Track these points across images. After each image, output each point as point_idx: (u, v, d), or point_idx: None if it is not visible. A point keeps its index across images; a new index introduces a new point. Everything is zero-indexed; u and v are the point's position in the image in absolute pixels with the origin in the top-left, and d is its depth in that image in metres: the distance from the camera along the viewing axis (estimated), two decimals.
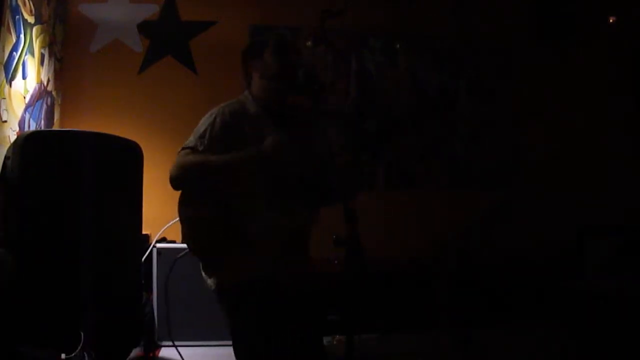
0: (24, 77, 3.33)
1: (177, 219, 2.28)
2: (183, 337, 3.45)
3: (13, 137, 3.08)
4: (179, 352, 3.28)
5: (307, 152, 2.29)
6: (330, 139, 2.36)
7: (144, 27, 4.31)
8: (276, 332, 2.16)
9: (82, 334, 2.56)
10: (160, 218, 3.63)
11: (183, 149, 2.22)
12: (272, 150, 2.13)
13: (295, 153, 2.21)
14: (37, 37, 3.52)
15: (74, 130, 3.09)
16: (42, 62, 3.66)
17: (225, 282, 2.21)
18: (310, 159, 2.27)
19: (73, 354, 2.54)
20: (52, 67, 3.88)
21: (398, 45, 4.59)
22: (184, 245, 3.76)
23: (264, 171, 2.17)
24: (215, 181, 2.18)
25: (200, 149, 2.17)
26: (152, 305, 3.63)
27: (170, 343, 3.57)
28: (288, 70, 2.24)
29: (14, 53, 3.15)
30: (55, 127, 3.94)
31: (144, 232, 3.24)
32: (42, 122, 3.68)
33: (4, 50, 2.99)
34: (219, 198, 2.18)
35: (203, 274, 2.27)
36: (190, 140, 2.22)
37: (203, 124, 2.24)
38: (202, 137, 2.19)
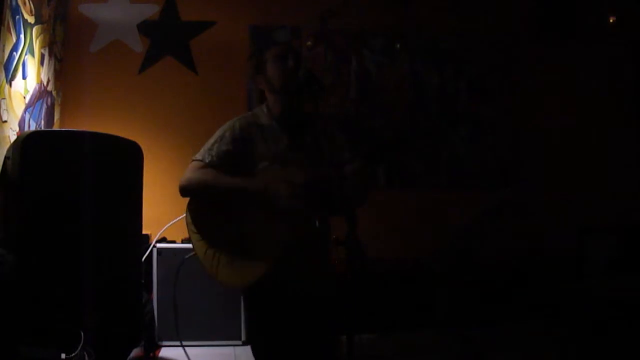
0: (24, 77, 3.33)
1: (177, 219, 2.30)
2: (186, 337, 3.45)
3: (13, 137, 3.08)
4: (185, 351, 3.28)
5: (318, 161, 2.29)
6: (337, 145, 2.36)
7: (144, 27, 4.31)
8: (294, 334, 2.18)
9: (82, 333, 2.56)
10: (160, 218, 3.63)
11: (194, 160, 2.29)
12: (279, 196, 2.15)
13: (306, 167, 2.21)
14: (37, 37, 3.52)
15: (74, 130, 3.08)
16: (42, 62, 3.66)
17: (240, 284, 2.23)
18: (320, 168, 2.27)
19: (73, 354, 2.53)
20: (52, 67, 3.88)
21: (398, 45, 4.59)
22: (185, 246, 3.79)
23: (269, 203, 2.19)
24: (222, 200, 2.24)
25: (207, 160, 2.24)
26: (152, 305, 3.63)
27: (170, 343, 3.59)
28: (291, 80, 2.24)
29: (14, 53, 3.15)
30: (55, 127, 3.94)
31: (144, 232, 3.24)
32: (42, 122, 3.68)
33: (4, 50, 2.99)
34: (227, 210, 2.22)
35: None
36: (201, 152, 2.29)
37: (214, 136, 2.31)
38: (210, 149, 2.27)
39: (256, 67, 2.35)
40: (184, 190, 2.26)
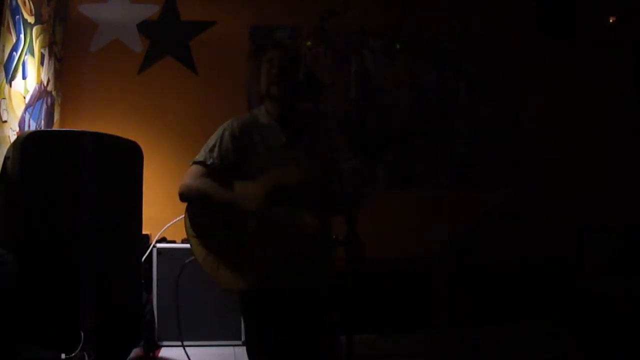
0: (24, 77, 3.33)
1: (177, 219, 2.29)
2: (186, 337, 3.45)
3: (13, 137, 3.08)
4: (185, 352, 3.28)
5: (316, 161, 2.29)
6: (337, 146, 2.36)
7: (144, 27, 4.31)
8: (289, 336, 2.18)
9: (82, 334, 2.56)
10: (160, 218, 3.63)
11: (194, 162, 2.29)
12: (278, 220, 2.17)
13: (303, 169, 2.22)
14: (37, 37, 3.52)
15: (74, 130, 3.09)
16: (42, 62, 3.66)
17: (238, 288, 2.24)
18: (318, 169, 2.27)
19: (73, 354, 2.53)
20: (52, 67, 3.88)
21: (398, 45, 4.59)
22: (185, 246, 3.78)
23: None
24: (219, 211, 2.24)
25: (209, 162, 2.25)
26: (152, 305, 3.63)
27: (170, 343, 3.59)
28: (287, 77, 2.25)
29: (14, 53, 3.15)
30: (55, 127, 3.94)
31: (144, 232, 3.24)
32: (42, 122, 3.68)
33: (4, 50, 2.99)
34: (225, 216, 2.23)
35: None
36: (201, 154, 2.29)
37: (213, 137, 2.31)
38: (211, 151, 2.27)
39: (259, 62, 2.38)
40: (183, 197, 2.28)
